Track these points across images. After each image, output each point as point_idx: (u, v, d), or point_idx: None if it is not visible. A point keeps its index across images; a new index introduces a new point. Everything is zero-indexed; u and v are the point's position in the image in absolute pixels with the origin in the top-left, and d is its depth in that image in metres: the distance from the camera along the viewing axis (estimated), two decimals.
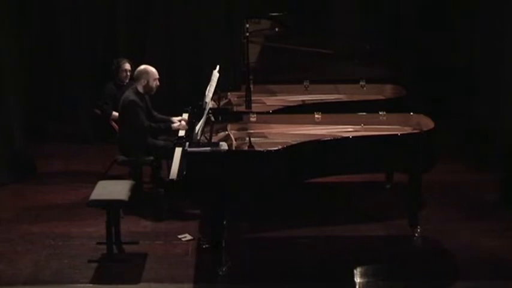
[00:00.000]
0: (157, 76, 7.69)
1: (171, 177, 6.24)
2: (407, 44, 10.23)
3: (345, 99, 8.30)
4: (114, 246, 6.66)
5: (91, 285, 6.22)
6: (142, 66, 7.72)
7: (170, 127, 7.68)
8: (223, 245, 6.32)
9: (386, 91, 8.44)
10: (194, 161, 6.20)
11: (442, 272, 6.46)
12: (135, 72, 7.75)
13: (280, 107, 7.89)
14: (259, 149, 6.72)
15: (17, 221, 7.49)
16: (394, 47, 9.96)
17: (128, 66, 8.56)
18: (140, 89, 7.66)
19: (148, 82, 7.64)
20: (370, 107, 7.71)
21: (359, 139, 6.83)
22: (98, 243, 6.82)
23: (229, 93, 8.29)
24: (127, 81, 8.56)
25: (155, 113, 7.89)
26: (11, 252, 6.80)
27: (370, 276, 6.47)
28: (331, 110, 7.48)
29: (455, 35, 10.17)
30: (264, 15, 8.55)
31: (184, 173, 6.16)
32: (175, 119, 7.87)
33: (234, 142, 6.91)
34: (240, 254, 6.66)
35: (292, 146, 6.53)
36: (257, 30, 8.41)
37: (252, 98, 7.84)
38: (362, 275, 6.50)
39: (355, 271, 6.54)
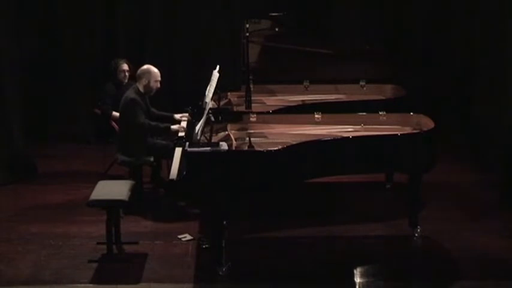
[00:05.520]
0: (159, 78, 7.69)
1: (171, 177, 6.24)
2: (407, 44, 10.24)
3: (345, 99, 8.30)
4: (114, 246, 6.66)
5: (91, 285, 6.22)
6: (146, 66, 7.72)
7: (169, 128, 7.65)
8: (223, 245, 6.32)
9: (386, 91, 8.43)
10: (194, 161, 6.20)
11: (442, 272, 6.46)
12: (138, 71, 7.75)
13: (280, 107, 7.89)
14: (259, 149, 6.73)
15: (17, 221, 7.49)
16: (394, 47, 9.97)
17: (125, 66, 8.58)
18: (141, 88, 7.67)
19: (149, 82, 7.64)
20: (370, 107, 7.71)
21: (359, 139, 6.83)
22: (98, 243, 6.82)
23: (229, 93, 8.29)
24: (126, 81, 8.57)
25: (153, 110, 7.88)
26: (11, 252, 6.80)
27: (370, 276, 6.47)
28: (331, 110, 7.48)
29: (456, 34, 10.17)
30: (264, 15, 8.55)
31: (184, 173, 6.16)
32: (177, 116, 7.85)
33: (234, 142, 6.91)
34: (240, 254, 6.66)
35: (292, 146, 6.53)
36: (257, 30, 8.41)
37: (252, 98, 7.83)
38: (362, 275, 6.50)
39: (355, 271, 6.54)
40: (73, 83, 10.26)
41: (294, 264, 6.60)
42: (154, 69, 7.68)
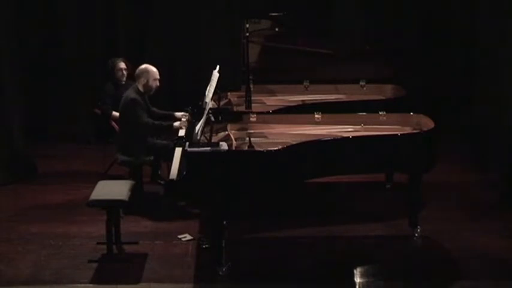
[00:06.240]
0: (158, 77, 7.69)
1: (171, 177, 6.24)
2: (407, 44, 10.24)
3: (345, 99, 8.30)
4: (114, 246, 6.66)
5: (91, 285, 6.22)
6: (144, 65, 7.73)
7: (172, 126, 7.65)
8: (223, 245, 6.32)
9: (386, 91, 8.44)
10: (194, 161, 6.20)
11: (442, 272, 6.46)
12: (136, 71, 7.76)
13: (280, 107, 7.89)
14: (259, 149, 6.73)
15: (17, 221, 7.49)
16: (394, 47, 9.97)
17: (123, 65, 8.58)
18: (141, 88, 7.67)
19: (148, 81, 7.64)
20: (370, 107, 7.71)
21: (359, 139, 6.83)
22: (98, 243, 6.82)
23: (229, 93, 8.29)
24: (124, 79, 8.57)
25: (154, 109, 7.88)
26: (11, 252, 6.80)
27: (370, 276, 6.47)
28: (331, 110, 7.48)
29: (456, 34, 10.17)
30: (264, 15, 8.55)
31: (184, 173, 6.16)
32: (178, 114, 7.84)
33: (234, 142, 6.91)
34: (240, 254, 6.66)
35: (292, 146, 6.53)
36: (257, 30, 8.41)
37: (252, 98, 7.83)
38: (362, 275, 6.50)
39: (355, 271, 6.54)
40: (73, 83, 10.26)
41: (294, 264, 6.60)
42: (152, 68, 7.68)
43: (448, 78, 10.18)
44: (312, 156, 6.56)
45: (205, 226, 7.18)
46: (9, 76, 8.66)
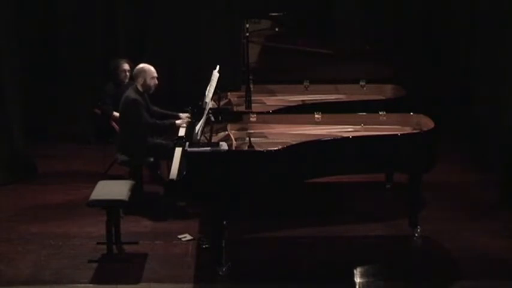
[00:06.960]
0: (155, 75, 7.68)
1: (171, 177, 6.24)
2: (407, 44, 10.24)
3: (345, 99, 8.30)
4: (114, 246, 6.66)
5: (91, 285, 6.22)
6: (140, 65, 7.73)
7: (174, 124, 7.63)
8: (223, 245, 6.32)
9: (387, 91, 8.44)
10: (194, 161, 6.20)
11: (442, 272, 6.46)
12: (134, 71, 7.76)
13: (280, 107, 7.89)
14: (259, 149, 6.73)
15: (17, 221, 7.49)
16: (394, 47, 9.96)
17: (126, 66, 8.57)
18: (140, 87, 7.67)
19: (145, 80, 7.64)
20: (370, 107, 7.71)
21: (359, 139, 6.83)
22: (98, 243, 6.82)
23: (229, 93, 8.29)
24: (126, 81, 8.57)
25: (155, 108, 7.87)
26: (11, 252, 6.80)
27: (370, 276, 6.47)
28: (331, 110, 7.48)
29: (456, 34, 10.17)
30: (264, 15, 8.55)
31: (184, 173, 6.16)
32: (182, 115, 7.82)
33: (234, 142, 6.91)
34: (240, 254, 6.66)
35: (292, 146, 6.53)
36: (257, 30, 8.41)
37: (252, 98, 7.84)
38: (362, 275, 6.50)
39: (355, 271, 6.54)
40: (73, 83, 10.26)
41: (294, 264, 6.60)
42: (149, 67, 7.68)
43: (448, 78, 10.18)
44: (312, 156, 6.56)
45: (205, 226, 7.18)
46: (9, 76, 8.66)
